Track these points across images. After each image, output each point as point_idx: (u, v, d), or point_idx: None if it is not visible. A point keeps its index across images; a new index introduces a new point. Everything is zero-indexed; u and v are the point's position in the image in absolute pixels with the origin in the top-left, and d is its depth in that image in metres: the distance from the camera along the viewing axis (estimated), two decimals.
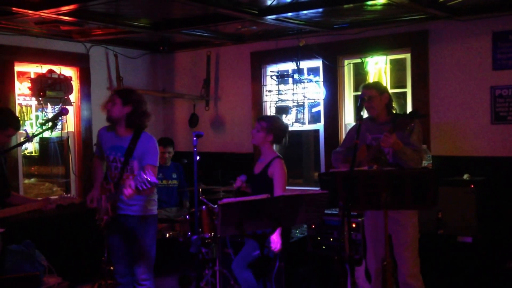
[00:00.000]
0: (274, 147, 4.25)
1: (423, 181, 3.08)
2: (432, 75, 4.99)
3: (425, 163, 4.55)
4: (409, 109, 5.17)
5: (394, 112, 3.93)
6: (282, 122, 4.31)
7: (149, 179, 3.51)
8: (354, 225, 4.50)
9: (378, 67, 5.31)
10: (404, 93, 5.25)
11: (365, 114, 3.95)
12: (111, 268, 4.18)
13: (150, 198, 3.99)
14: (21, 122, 5.34)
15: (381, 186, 3.06)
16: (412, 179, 3.08)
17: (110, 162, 3.96)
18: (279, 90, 5.71)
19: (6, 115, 3.93)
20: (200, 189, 5.07)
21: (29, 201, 4.14)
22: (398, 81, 5.35)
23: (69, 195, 4.28)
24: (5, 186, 4.02)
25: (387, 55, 5.26)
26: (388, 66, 5.30)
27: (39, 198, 4.43)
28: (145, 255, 3.93)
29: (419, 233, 3.85)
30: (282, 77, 5.66)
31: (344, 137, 4.37)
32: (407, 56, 5.18)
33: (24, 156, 5.63)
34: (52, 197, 4.17)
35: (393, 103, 3.95)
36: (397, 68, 5.36)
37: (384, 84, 4.43)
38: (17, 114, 5.31)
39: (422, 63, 5.02)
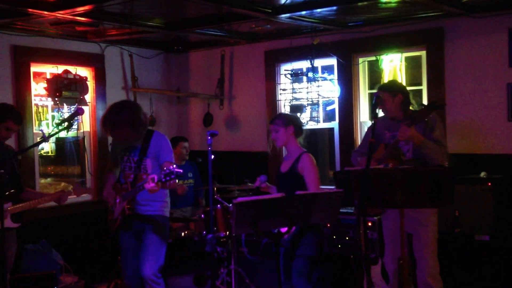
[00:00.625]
0: (298, 142, 4.01)
1: (439, 179, 3.04)
2: (447, 72, 4.94)
3: None
4: None
5: (411, 109, 3.84)
6: (292, 113, 4.20)
7: (173, 170, 3.51)
8: (370, 224, 4.47)
9: (393, 65, 5.27)
10: (420, 91, 5.20)
11: (380, 112, 3.91)
12: None
13: (163, 199, 4.00)
14: (37, 122, 5.41)
15: (397, 184, 3.04)
16: (428, 177, 3.04)
17: (123, 163, 3.99)
18: (293, 89, 5.70)
19: (4, 109, 4.00)
20: (215, 188, 5.07)
21: (42, 195, 4.20)
22: (414, 79, 5.31)
23: (84, 186, 4.36)
24: (18, 182, 4.06)
25: (402, 52, 5.21)
26: (403, 63, 5.26)
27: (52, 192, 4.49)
28: (154, 255, 3.90)
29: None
30: (296, 76, 5.64)
31: (363, 136, 4.33)
32: (423, 53, 5.13)
33: (41, 156, 5.69)
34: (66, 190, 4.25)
35: (410, 100, 3.85)
36: (412, 65, 5.32)
37: (400, 82, 4.31)
38: (33, 114, 5.38)
39: (437, 61, 4.97)
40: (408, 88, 5.20)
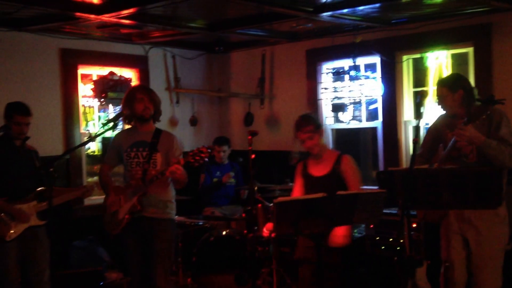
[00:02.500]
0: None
1: (487, 179, 2.93)
2: (496, 69, 4.77)
3: None
4: None
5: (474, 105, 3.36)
6: (309, 114, 3.89)
7: (202, 149, 3.47)
8: (414, 225, 4.37)
9: (438, 62, 5.14)
10: None
11: (425, 111, 3.73)
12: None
13: (171, 200, 3.89)
14: (84, 122, 5.55)
15: (442, 185, 2.95)
16: (475, 177, 2.93)
17: (130, 159, 3.82)
18: (335, 88, 5.64)
19: (8, 107, 4.05)
20: (256, 188, 5.09)
21: (66, 192, 4.24)
22: None
23: None
24: (39, 179, 4.14)
25: (448, 49, 5.08)
26: (449, 61, 5.13)
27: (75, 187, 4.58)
28: (162, 261, 3.78)
29: None
30: (338, 74, 5.58)
31: (411, 136, 4.13)
32: (470, 50, 4.98)
33: (87, 155, 5.85)
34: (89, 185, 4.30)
35: (474, 96, 3.38)
36: (459, 62, 5.17)
37: (462, 76, 3.71)
38: (80, 115, 5.53)
39: (485, 58, 4.81)
40: None
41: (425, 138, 3.72)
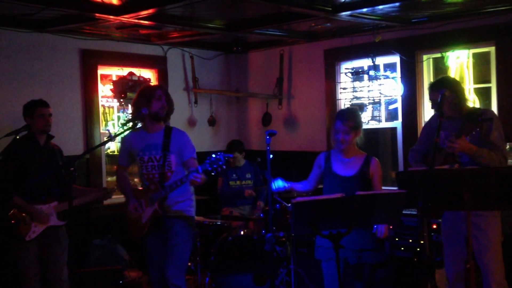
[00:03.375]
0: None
1: (509, 180, 2.89)
2: None
3: (510, 161, 4.26)
4: (493, 105, 4.89)
5: (468, 106, 3.57)
6: (358, 110, 3.80)
7: (220, 157, 3.42)
8: (434, 226, 4.32)
9: (459, 62, 5.07)
10: (488, 89, 4.98)
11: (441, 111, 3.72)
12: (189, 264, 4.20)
13: (190, 198, 3.89)
14: (104, 122, 5.62)
15: (464, 185, 2.90)
16: (497, 178, 2.89)
17: (145, 163, 3.81)
18: (354, 88, 5.61)
19: (28, 104, 4.16)
20: None
21: (87, 193, 4.29)
22: (482, 76, 5.08)
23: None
24: (61, 179, 4.20)
25: (469, 48, 5.01)
26: (471, 60, 5.05)
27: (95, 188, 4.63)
28: (179, 258, 3.76)
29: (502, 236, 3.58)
30: (357, 74, 5.54)
31: (419, 134, 4.15)
32: (491, 49, 4.90)
33: (107, 155, 5.90)
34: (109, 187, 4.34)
35: (465, 97, 3.57)
36: (481, 62, 5.09)
37: (451, 78, 3.92)
38: (100, 115, 5.59)
39: (507, 57, 4.73)
40: (476, 86, 5.05)
41: (422, 135, 3.89)
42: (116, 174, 4.09)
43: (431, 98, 3.65)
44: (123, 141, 4.01)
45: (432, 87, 3.67)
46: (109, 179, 5.82)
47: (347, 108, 3.72)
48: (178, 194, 3.77)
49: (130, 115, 4.03)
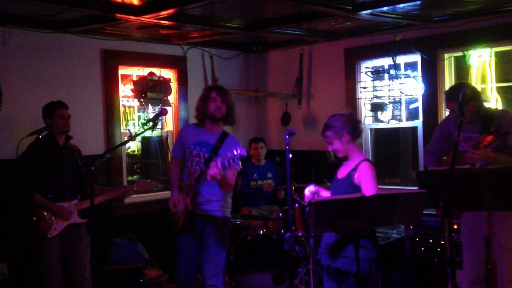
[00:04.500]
0: (359, 144, 3.64)
1: None
2: None
3: None
4: None
5: (484, 108, 3.62)
6: (339, 114, 3.56)
7: (237, 154, 3.41)
8: (455, 226, 4.27)
9: (481, 60, 5.00)
10: (511, 87, 4.90)
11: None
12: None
13: (224, 198, 3.91)
14: (124, 122, 5.67)
15: (485, 185, 2.87)
16: None
17: (192, 157, 3.90)
18: (374, 87, 5.57)
19: (47, 105, 4.23)
20: (293, 187, 5.07)
21: (106, 191, 4.35)
22: (504, 75, 5.01)
23: (146, 181, 4.47)
24: (81, 178, 4.25)
25: (491, 47, 4.93)
26: (493, 59, 4.97)
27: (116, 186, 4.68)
28: (214, 259, 3.82)
29: None
30: (377, 73, 5.50)
31: (434, 133, 4.09)
32: None
33: (128, 155, 5.96)
34: (129, 186, 4.40)
35: (480, 98, 3.65)
36: (503, 61, 5.01)
37: (465, 83, 4.06)
38: (121, 115, 5.65)
39: None
40: (499, 85, 4.97)
41: (436, 135, 3.91)
42: (168, 164, 4.16)
43: (447, 107, 3.68)
44: (181, 131, 4.11)
45: (448, 96, 3.68)
46: (129, 178, 5.88)
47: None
48: (211, 192, 3.82)
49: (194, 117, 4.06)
